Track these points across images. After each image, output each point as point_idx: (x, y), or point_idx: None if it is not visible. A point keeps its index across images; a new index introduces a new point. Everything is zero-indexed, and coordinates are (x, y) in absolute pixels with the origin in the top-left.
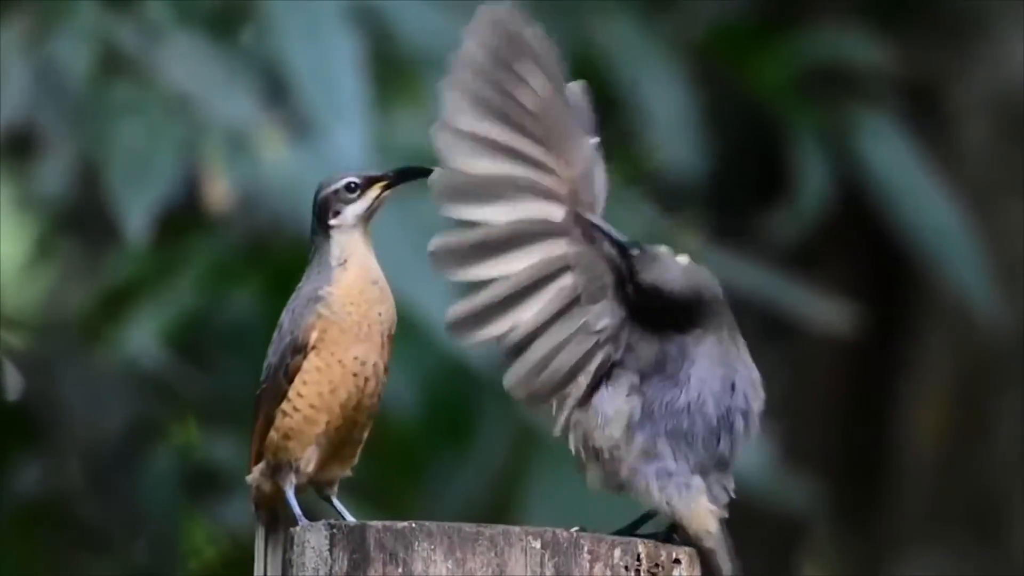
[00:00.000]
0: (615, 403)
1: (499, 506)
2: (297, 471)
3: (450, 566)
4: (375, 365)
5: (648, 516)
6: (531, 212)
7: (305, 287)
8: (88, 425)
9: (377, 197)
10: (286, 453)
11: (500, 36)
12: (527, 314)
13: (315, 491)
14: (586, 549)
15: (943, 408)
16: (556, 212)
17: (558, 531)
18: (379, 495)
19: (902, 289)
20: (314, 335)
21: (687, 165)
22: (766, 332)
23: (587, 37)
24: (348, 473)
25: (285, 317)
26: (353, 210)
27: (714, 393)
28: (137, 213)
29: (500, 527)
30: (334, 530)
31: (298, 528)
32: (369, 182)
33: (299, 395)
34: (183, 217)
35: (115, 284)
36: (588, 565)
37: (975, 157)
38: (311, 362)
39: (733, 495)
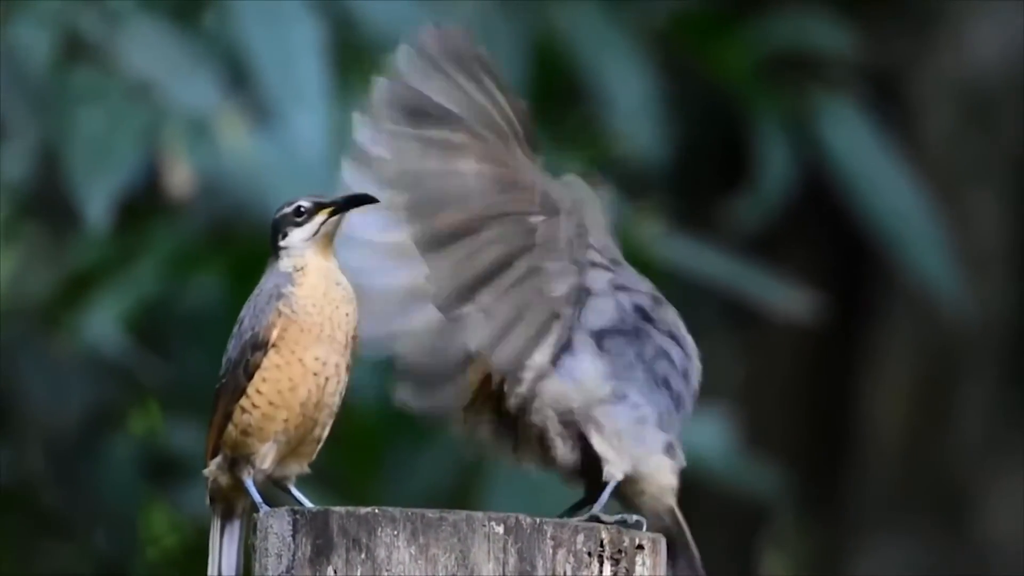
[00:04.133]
0: (583, 363)
1: (461, 492)
2: (254, 466)
3: (413, 552)
4: (336, 365)
5: (586, 501)
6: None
7: (267, 284)
8: (49, 412)
9: (323, 223)
10: (244, 448)
11: (448, 48)
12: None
13: (272, 483)
14: (549, 535)
15: (906, 395)
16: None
17: (521, 517)
18: (341, 482)
19: (865, 276)
20: (275, 333)
21: (650, 152)
22: (729, 319)
23: (550, 25)
24: (306, 470)
25: (246, 313)
26: (300, 234)
27: (675, 353)
28: (98, 199)
29: (463, 513)
30: (297, 516)
31: (261, 514)
32: (317, 208)
33: (258, 392)
34: (144, 203)
35: (76, 270)
36: (551, 551)
37: (938, 144)
38: (271, 359)
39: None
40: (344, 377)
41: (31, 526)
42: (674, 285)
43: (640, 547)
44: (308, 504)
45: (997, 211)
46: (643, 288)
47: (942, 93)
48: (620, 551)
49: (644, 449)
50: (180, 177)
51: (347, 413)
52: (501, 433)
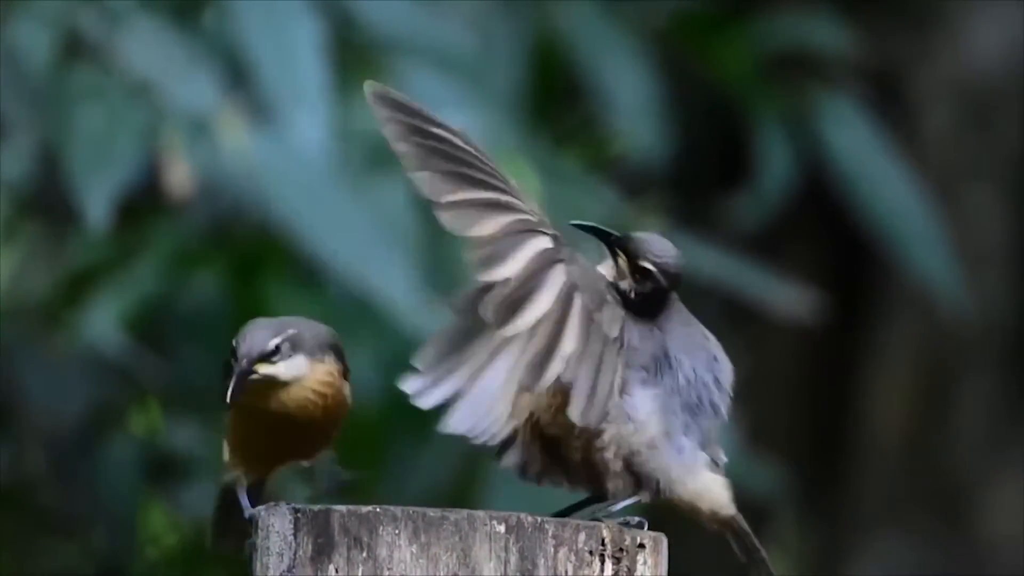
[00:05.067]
0: (643, 405)
1: (462, 490)
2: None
3: (415, 550)
4: (306, 425)
5: (590, 500)
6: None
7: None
8: (48, 411)
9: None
10: (228, 461)
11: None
12: (568, 347)
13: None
14: (550, 534)
15: (907, 393)
16: (544, 240)
17: (522, 515)
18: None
19: (865, 275)
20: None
21: (650, 151)
22: (729, 318)
23: (550, 24)
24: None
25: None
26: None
27: (703, 367)
28: (98, 198)
29: (465, 511)
30: (298, 514)
31: (262, 511)
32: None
33: (228, 428)
34: (144, 202)
35: (75, 269)
36: (553, 550)
37: (938, 143)
38: (235, 413)
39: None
40: (339, 401)
41: (30, 525)
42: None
43: (641, 546)
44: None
45: (997, 209)
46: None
47: (942, 92)
48: (621, 550)
49: (690, 474)
50: (180, 176)
51: (348, 411)
52: (549, 465)
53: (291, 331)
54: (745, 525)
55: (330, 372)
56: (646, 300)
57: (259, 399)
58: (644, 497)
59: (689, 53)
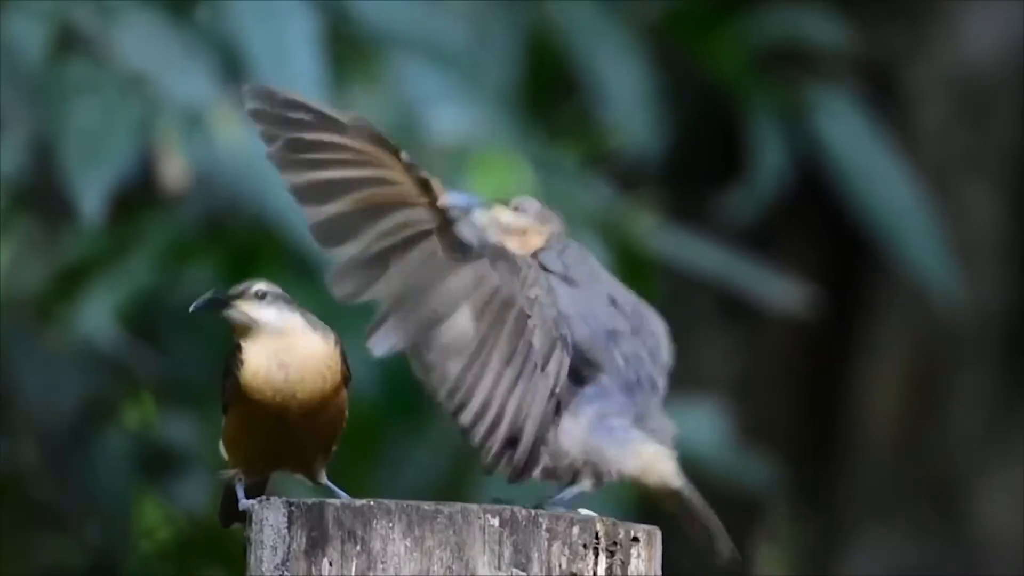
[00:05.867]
0: (572, 433)
1: (455, 484)
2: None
3: (408, 544)
4: (309, 414)
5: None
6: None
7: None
8: (42, 404)
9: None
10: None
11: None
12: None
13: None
14: (544, 527)
15: (900, 387)
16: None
17: (516, 509)
18: (336, 473)
19: (860, 269)
20: (232, 396)
21: (644, 145)
22: (723, 312)
23: (545, 19)
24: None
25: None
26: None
27: (641, 345)
28: (92, 192)
29: (458, 505)
30: (292, 508)
31: (256, 505)
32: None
33: (226, 426)
34: (139, 196)
35: (70, 263)
36: (546, 543)
37: (932, 136)
38: (231, 414)
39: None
40: (338, 396)
41: (24, 519)
42: (668, 278)
43: (635, 539)
44: (344, 497)
45: (992, 204)
46: (600, 290)
47: (937, 87)
48: (615, 543)
49: (628, 453)
50: (174, 170)
51: (345, 421)
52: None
53: (291, 299)
54: (696, 497)
55: (336, 358)
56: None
57: (270, 374)
58: (587, 486)
59: (683, 48)
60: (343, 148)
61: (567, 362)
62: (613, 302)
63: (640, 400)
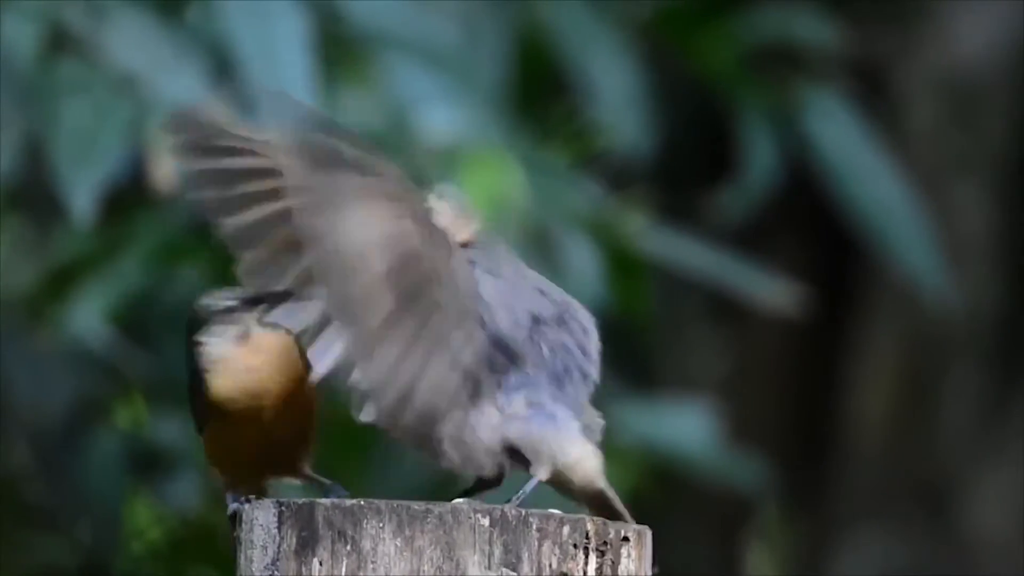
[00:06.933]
0: (488, 422)
1: (446, 483)
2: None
3: (399, 544)
4: (284, 409)
5: (484, 485)
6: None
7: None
8: (33, 405)
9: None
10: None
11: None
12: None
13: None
14: (535, 527)
15: (892, 388)
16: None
17: (506, 509)
18: (325, 473)
19: (850, 269)
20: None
21: (635, 144)
22: (713, 312)
23: (535, 18)
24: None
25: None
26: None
27: (570, 337)
28: (83, 192)
29: (449, 505)
30: (282, 507)
31: (245, 506)
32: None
33: (207, 445)
34: (129, 196)
35: (60, 263)
36: (537, 543)
37: (923, 137)
38: (209, 432)
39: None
40: (310, 404)
41: (14, 519)
42: (659, 278)
43: (626, 539)
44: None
45: (983, 204)
46: (526, 284)
47: (928, 86)
48: (606, 543)
49: (562, 446)
50: (165, 170)
51: (331, 403)
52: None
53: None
54: (615, 498)
55: (293, 345)
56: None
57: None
58: (542, 474)
59: (673, 47)
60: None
61: (481, 337)
62: (540, 294)
63: (571, 391)
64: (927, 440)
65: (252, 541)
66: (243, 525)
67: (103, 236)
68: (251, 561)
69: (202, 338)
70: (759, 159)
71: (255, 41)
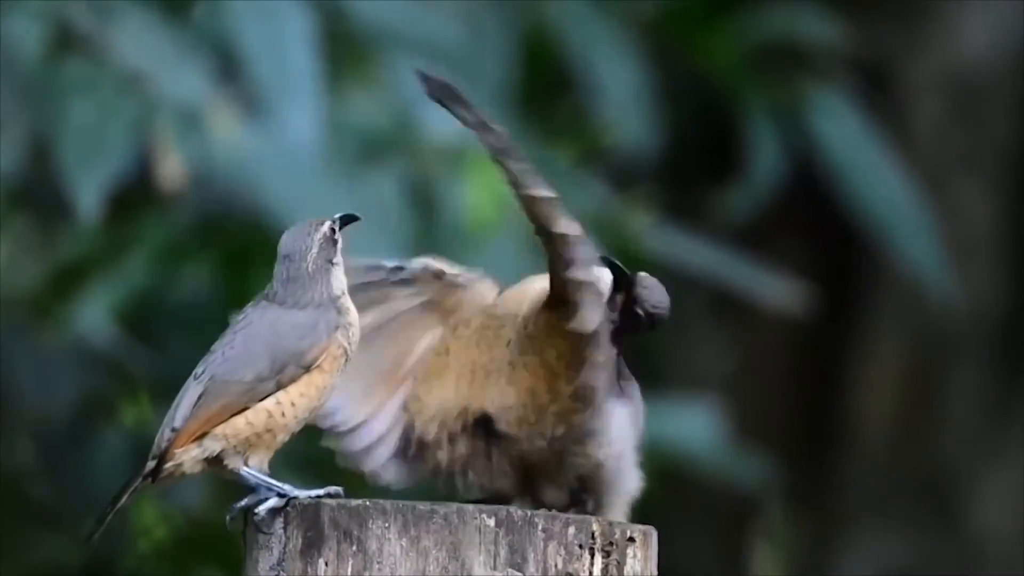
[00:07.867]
0: (619, 420)
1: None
2: (245, 462)
3: (404, 544)
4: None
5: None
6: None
7: (314, 298)
8: (39, 403)
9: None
10: (249, 448)
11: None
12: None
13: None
14: (540, 527)
15: (896, 385)
16: None
17: (512, 509)
18: (331, 473)
19: (855, 266)
20: (325, 356)
21: (639, 143)
22: (718, 310)
23: (540, 16)
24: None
25: (284, 320)
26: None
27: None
28: (89, 191)
29: (454, 505)
30: (288, 508)
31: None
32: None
33: (292, 404)
34: (135, 195)
35: (66, 262)
36: (542, 543)
37: (928, 134)
38: (313, 378)
39: None
40: None
41: (21, 517)
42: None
43: (631, 539)
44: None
45: (986, 201)
46: None
47: (932, 84)
48: (611, 543)
49: (627, 497)
50: (171, 169)
51: None
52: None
53: None
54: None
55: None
56: (616, 333)
57: None
58: (584, 510)
59: (679, 45)
60: None
61: None
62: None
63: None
64: (931, 438)
65: (258, 541)
66: (250, 525)
67: (109, 235)
68: (257, 561)
69: None
70: (764, 157)
71: (261, 40)
